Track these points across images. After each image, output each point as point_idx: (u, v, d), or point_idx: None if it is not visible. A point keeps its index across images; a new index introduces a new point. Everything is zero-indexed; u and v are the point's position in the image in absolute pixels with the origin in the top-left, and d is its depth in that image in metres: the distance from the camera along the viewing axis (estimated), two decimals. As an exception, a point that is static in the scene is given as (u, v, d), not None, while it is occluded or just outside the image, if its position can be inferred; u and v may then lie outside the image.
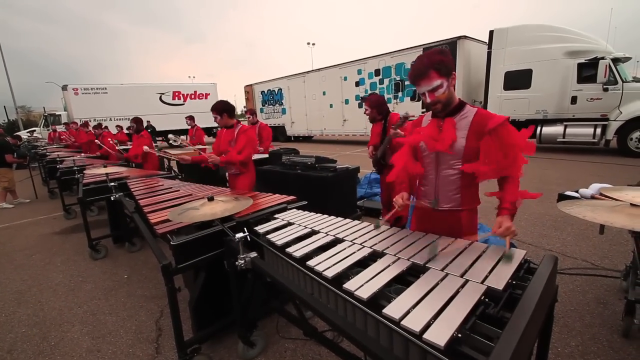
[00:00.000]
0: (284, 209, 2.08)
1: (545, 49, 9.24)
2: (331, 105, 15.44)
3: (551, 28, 9.34)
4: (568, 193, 2.16)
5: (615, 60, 8.43)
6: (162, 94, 18.38)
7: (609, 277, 2.74)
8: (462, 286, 1.03)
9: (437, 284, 1.05)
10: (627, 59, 8.82)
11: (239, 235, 1.53)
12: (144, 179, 3.73)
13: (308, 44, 47.92)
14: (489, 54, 10.30)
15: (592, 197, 2.06)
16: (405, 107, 12.50)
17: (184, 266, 1.74)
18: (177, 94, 18.77)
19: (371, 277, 1.12)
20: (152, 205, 2.45)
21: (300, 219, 1.84)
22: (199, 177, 4.62)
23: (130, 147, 5.45)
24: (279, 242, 1.52)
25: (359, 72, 13.92)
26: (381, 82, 13.19)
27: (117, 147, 6.70)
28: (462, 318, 0.87)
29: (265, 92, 19.05)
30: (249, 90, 20.27)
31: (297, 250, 1.40)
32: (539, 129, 9.54)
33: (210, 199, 1.73)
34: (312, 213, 1.96)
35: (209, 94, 19.83)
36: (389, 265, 1.20)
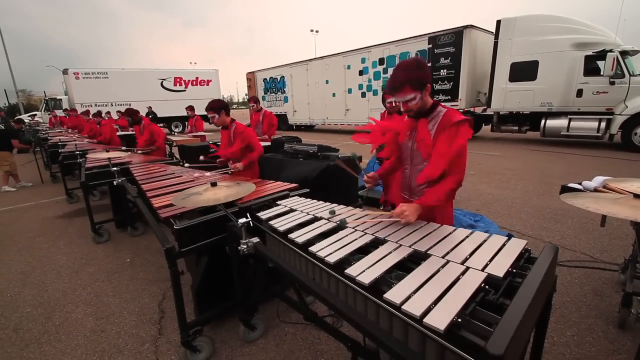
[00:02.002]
0: (286, 196, 2.08)
1: (553, 40, 9.09)
2: (334, 94, 15.31)
3: (559, 19, 9.16)
4: (571, 185, 2.16)
5: (624, 53, 8.29)
6: (164, 79, 18.21)
7: (607, 270, 2.76)
8: (463, 273, 1.04)
9: (437, 271, 1.06)
10: (636, 52, 8.66)
11: (242, 220, 1.54)
12: (146, 164, 3.74)
13: (312, 31, 47.30)
14: (496, 44, 10.14)
15: (595, 190, 2.06)
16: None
17: (187, 250, 1.76)
18: (178, 79, 18.60)
19: (373, 263, 1.14)
20: (155, 190, 2.46)
21: (302, 206, 1.85)
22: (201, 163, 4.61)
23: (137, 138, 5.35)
24: (282, 228, 1.54)
25: (363, 60, 13.75)
26: (385, 71, 13.03)
27: (118, 133, 6.70)
28: (462, 304, 0.88)
29: (268, 79, 18.86)
30: (251, 77, 20.07)
31: (300, 237, 1.42)
32: (543, 121, 9.48)
33: (214, 184, 1.73)
34: (314, 200, 1.97)
35: (210, 81, 19.66)
36: (390, 252, 1.21)
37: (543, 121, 9.48)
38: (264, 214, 1.75)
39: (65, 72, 16.34)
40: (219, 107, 3.03)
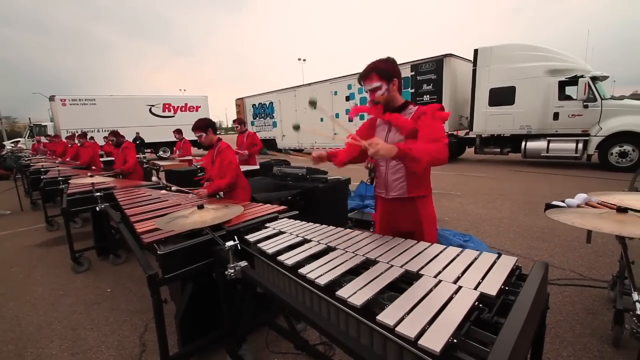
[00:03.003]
0: (275, 219, 2.05)
1: (528, 67, 9.61)
2: (322, 119, 15.60)
3: (533, 47, 9.74)
4: (555, 203, 2.20)
5: (594, 79, 8.80)
6: (152, 105, 18.27)
7: (596, 288, 2.77)
8: (456, 292, 1.02)
9: (430, 291, 1.04)
10: (605, 77, 9.22)
11: (229, 243, 1.50)
12: (131, 189, 3.65)
13: (299, 59, 48.77)
14: (474, 72, 10.64)
15: (578, 207, 2.10)
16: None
17: (171, 276, 1.69)
18: (167, 106, 18.69)
19: (364, 285, 1.11)
20: (139, 214, 2.39)
21: (291, 228, 1.82)
22: (185, 185, 4.50)
23: (115, 161, 5.32)
24: (270, 251, 1.50)
25: (349, 87, 14.18)
26: (371, 96, 13.42)
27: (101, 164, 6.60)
28: (457, 324, 0.86)
29: (257, 105, 19.16)
30: (240, 103, 20.36)
31: (289, 259, 1.38)
32: (523, 143, 9.82)
33: (200, 207, 1.70)
34: (303, 222, 1.94)
35: (199, 107, 19.82)
36: (381, 273, 1.19)
37: (524, 143, 9.83)
38: (252, 237, 1.71)
39: (52, 98, 16.25)
40: (205, 125, 2.98)
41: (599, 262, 3.31)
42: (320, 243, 1.54)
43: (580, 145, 8.95)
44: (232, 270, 1.50)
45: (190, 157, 6.29)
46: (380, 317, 0.91)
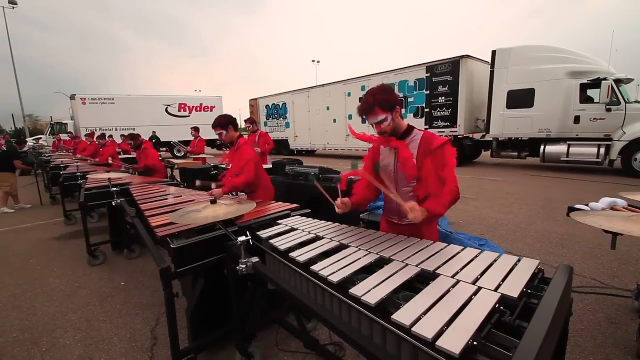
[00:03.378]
0: (287, 216, 2.04)
1: (548, 69, 9.36)
2: (335, 120, 15.57)
3: (553, 49, 9.48)
4: (578, 206, 2.11)
5: (618, 81, 8.49)
6: (168, 105, 18.62)
7: (619, 297, 2.65)
8: (475, 293, 0.98)
9: (448, 291, 1.00)
10: (629, 80, 8.89)
11: (241, 238, 1.49)
12: (146, 185, 3.71)
13: (313, 61, 48.92)
14: (492, 73, 10.43)
15: (603, 210, 2.02)
16: (409, 123, 12.56)
17: (183, 270, 1.69)
18: (182, 105, 19.02)
19: (378, 283, 1.08)
20: (153, 209, 2.42)
21: (303, 225, 1.80)
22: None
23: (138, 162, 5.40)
24: (282, 247, 1.48)
25: (363, 88, 14.08)
26: (385, 98, 13.32)
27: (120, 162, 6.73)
28: (477, 325, 0.82)
29: (270, 105, 19.28)
30: (253, 104, 20.53)
31: (301, 255, 1.36)
32: (542, 147, 9.55)
33: (213, 201, 1.70)
34: (315, 220, 1.92)
35: (214, 107, 20.09)
36: (396, 272, 1.16)
37: (542, 147, 9.56)
38: (264, 233, 1.69)
39: (72, 97, 16.75)
40: (226, 122, 2.85)
41: (621, 270, 3.17)
42: (332, 240, 1.52)
43: (602, 150, 8.64)
44: (244, 266, 1.49)
45: (203, 155, 6.35)
46: (396, 317, 0.88)
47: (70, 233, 4.97)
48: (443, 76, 11.42)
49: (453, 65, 11.11)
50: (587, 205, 2.13)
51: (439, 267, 1.17)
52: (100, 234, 4.49)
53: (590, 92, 8.93)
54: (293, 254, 1.38)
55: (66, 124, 18.69)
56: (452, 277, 1.09)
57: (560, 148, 9.27)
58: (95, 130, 12.22)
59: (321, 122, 16.18)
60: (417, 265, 1.19)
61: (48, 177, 7.73)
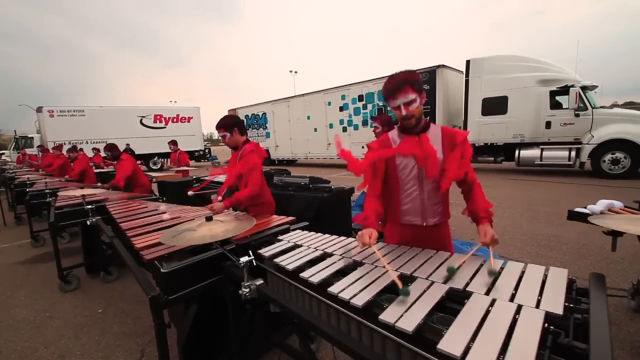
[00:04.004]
0: (287, 230, 1.91)
1: (519, 78, 9.78)
2: (315, 130, 15.56)
3: (523, 58, 9.94)
4: (578, 210, 2.12)
5: (584, 88, 8.98)
6: (143, 116, 17.97)
7: (614, 297, 2.68)
8: (518, 312, 0.89)
9: (488, 312, 0.91)
10: (594, 87, 9.43)
11: (244, 259, 1.35)
12: (125, 201, 3.46)
13: (291, 71, 49.12)
14: (467, 82, 10.78)
15: (602, 213, 2.02)
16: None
17: (177, 297, 1.52)
18: (158, 117, 18.41)
19: (409, 306, 0.97)
20: (135, 228, 2.22)
21: (307, 241, 1.68)
22: (182, 200, 4.29)
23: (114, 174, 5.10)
24: (290, 267, 1.35)
25: (343, 97, 14.21)
26: (364, 107, 13.48)
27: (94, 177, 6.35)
28: (535, 351, 0.73)
29: (250, 116, 19.07)
30: (233, 114, 20.22)
31: (313, 276, 1.24)
32: (517, 152, 9.91)
33: (209, 218, 1.54)
34: (318, 234, 1.80)
35: (192, 118, 19.59)
36: (424, 291, 1.06)
37: (517, 152, 9.92)
38: (266, 251, 1.56)
39: (39, 110, 15.84)
40: (231, 123, 2.58)
41: (610, 269, 3.24)
42: (344, 257, 1.41)
43: (573, 153, 9.06)
44: (247, 290, 1.34)
45: (186, 168, 6.08)
46: (442, 346, 0.77)
47: (38, 256, 4.55)
48: (421, 85, 11.69)
49: (430, 75, 11.41)
50: (585, 207, 2.14)
51: (468, 283, 1.08)
52: (73, 256, 4.13)
53: (559, 99, 9.40)
54: (304, 275, 1.25)
55: (32, 137, 17.63)
56: (486, 294, 1.00)
57: (534, 152, 9.65)
58: (64, 143, 11.54)
59: (302, 131, 16.13)
60: (444, 283, 1.09)
61: (12, 195, 7.16)
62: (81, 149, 8.97)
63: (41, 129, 16.42)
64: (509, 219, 5.23)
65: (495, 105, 10.22)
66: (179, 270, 1.51)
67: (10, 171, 9.12)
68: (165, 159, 17.63)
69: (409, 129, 1.55)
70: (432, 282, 1.10)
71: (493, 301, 0.96)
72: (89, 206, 3.11)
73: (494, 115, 10.25)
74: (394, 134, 1.64)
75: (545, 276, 1.10)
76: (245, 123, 19.22)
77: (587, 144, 8.87)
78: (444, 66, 11.31)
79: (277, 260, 1.43)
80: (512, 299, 0.97)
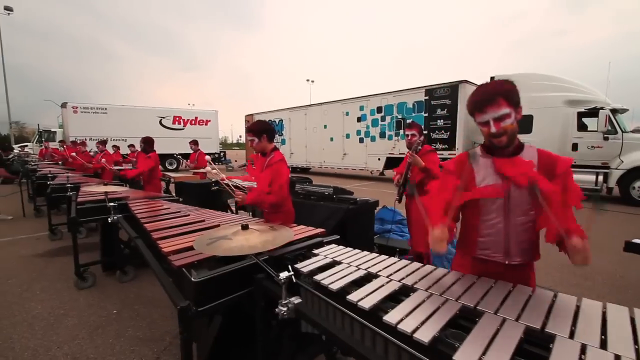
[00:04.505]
0: (321, 244, 1.79)
1: (546, 97, 9.53)
2: (332, 139, 15.52)
3: (551, 77, 9.71)
4: (635, 241, 1.94)
5: (614, 111, 8.68)
6: (163, 117, 18.32)
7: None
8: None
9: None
10: (625, 110, 9.11)
11: (284, 275, 1.24)
12: (146, 200, 3.41)
13: (307, 80, 49.62)
14: (491, 99, 10.57)
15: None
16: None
17: (207, 309, 1.41)
18: (177, 118, 18.75)
19: (486, 346, 0.84)
20: (161, 230, 2.14)
21: (345, 257, 1.56)
22: (199, 201, 4.21)
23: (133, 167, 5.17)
24: (334, 287, 1.23)
25: (361, 108, 14.15)
26: (383, 119, 13.38)
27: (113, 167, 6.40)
28: None
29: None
30: (249, 119, 20.42)
31: (363, 300, 1.11)
32: (540, 173, 9.60)
33: (245, 227, 1.44)
34: (355, 250, 1.68)
35: (209, 121, 19.88)
36: (499, 331, 0.92)
37: (541, 173, 9.61)
38: (303, 267, 1.44)
39: (64, 105, 16.32)
40: (260, 129, 2.59)
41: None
42: (392, 280, 1.28)
43: (601, 178, 8.71)
44: (285, 309, 1.23)
45: (203, 170, 6.05)
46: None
47: (55, 250, 4.56)
48: (442, 100, 11.55)
49: (452, 90, 11.27)
50: (642, 239, 1.96)
51: (545, 323, 0.94)
52: (89, 252, 4.10)
53: (587, 121, 9.10)
54: (352, 298, 1.13)
55: (55, 132, 18.13)
56: (570, 337, 0.87)
57: (559, 174, 9.32)
58: (86, 140, 11.79)
59: (318, 140, 16.11)
60: (531, 324, 0.96)
61: (33, 187, 7.28)
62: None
63: (64, 124, 16.89)
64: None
65: (520, 124, 9.86)
66: (211, 280, 1.41)
67: (33, 163, 9.31)
68: (183, 159, 17.83)
69: (497, 147, 1.31)
70: (515, 320, 0.97)
71: (583, 347, 0.82)
72: (112, 204, 3.07)
73: (518, 134, 9.96)
74: (476, 156, 1.37)
75: (605, 312, 0.97)
76: (261, 129, 19.47)
77: (616, 169, 8.52)
78: (466, 81, 11.15)
79: (317, 278, 1.31)
80: (604, 345, 0.83)
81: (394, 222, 5.13)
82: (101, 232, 3.65)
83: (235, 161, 22.02)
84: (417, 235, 3.24)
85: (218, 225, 2.27)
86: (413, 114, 12.35)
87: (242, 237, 1.39)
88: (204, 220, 2.45)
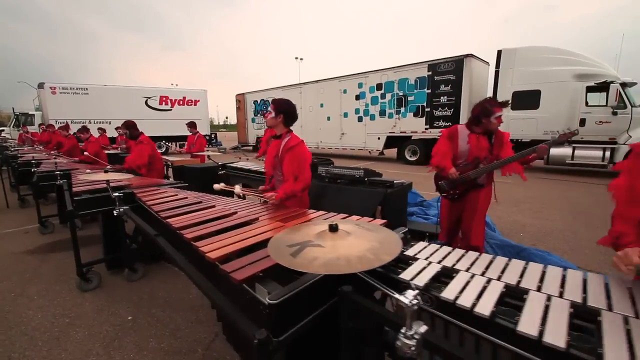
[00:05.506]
0: (406, 242, 1.44)
1: (554, 71, 9.23)
2: (329, 118, 15.02)
3: (559, 50, 9.37)
4: None
5: (623, 85, 8.46)
6: (149, 98, 17.31)
7: None
8: None
9: None
10: (634, 83, 8.90)
11: (410, 295, 0.88)
12: (154, 189, 2.98)
13: (296, 58, 48.04)
14: (497, 73, 10.23)
15: None
16: (408, 123, 12.23)
17: (287, 337, 1.05)
18: (164, 98, 17.74)
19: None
20: (189, 228, 1.74)
21: (446, 258, 1.21)
22: (201, 185, 3.66)
23: (128, 155, 4.66)
24: (483, 310, 0.88)
25: (360, 85, 13.61)
26: (383, 96, 12.91)
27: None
28: None
29: (259, 101, 18.46)
30: (240, 99, 19.61)
31: (528, 326, 0.77)
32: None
33: (334, 228, 1.07)
34: (443, 246, 1.34)
35: (198, 101, 18.93)
36: None
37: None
38: (410, 276, 1.09)
39: (40, 86, 15.17)
40: (281, 108, 2.43)
41: None
42: (507, 283, 0.94)
43: (608, 154, 8.60)
44: (412, 343, 0.88)
45: (206, 152, 5.58)
46: None
47: (49, 245, 4.08)
48: (446, 75, 11.12)
49: (457, 64, 10.83)
50: None
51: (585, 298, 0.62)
52: (86, 247, 3.66)
53: (596, 95, 8.88)
54: (523, 329, 0.79)
55: (33, 115, 16.98)
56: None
57: (566, 151, 9.17)
58: (69, 122, 10.96)
59: (314, 119, 15.57)
60: None
61: (15, 175, 6.64)
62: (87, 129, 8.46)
63: (42, 107, 15.78)
64: (561, 222, 4.80)
65: (526, 100, 9.66)
66: (290, 300, 1.04)
67: (12, 149, 8.57)
68: (171, 143, 17.03)
69: None
70: None
71: None
72: (116, 194, 2.63)
73: (524, 110, 9.70)
74: None
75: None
76: (253, 109, 18.70)
77: (624, 144, 8.39)
78: (472, 55, 10.70)
79: (447, 295, 0.96)
80: None
81: (415, 205, 4.84)
82: (103, 226, 3.21)
83: (225, 148, 21.29)
84: (477, 228, 2.90)
85: (257, 219, 1.88)
86: (415, 91, 11.92)
87: (337, 243, 1.01)
88: (236, 213, 2.05)
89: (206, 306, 2.55)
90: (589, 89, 8.83)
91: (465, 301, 0.93)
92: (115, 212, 2.58)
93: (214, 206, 2.23)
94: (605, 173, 9.20)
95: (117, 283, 3.02)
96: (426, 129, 11.81)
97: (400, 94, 12.36)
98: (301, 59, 48.02)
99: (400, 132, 12.58)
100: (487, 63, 11.70)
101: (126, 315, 2.49)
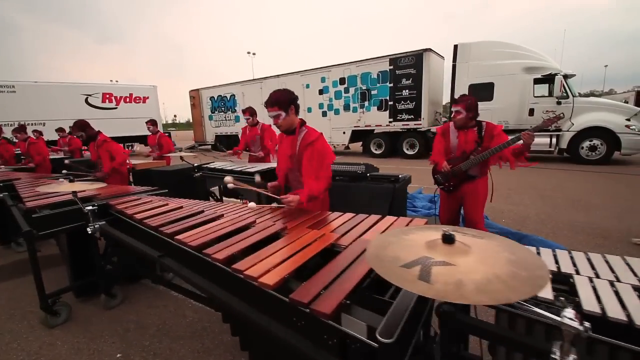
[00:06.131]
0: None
1: (506, 64, 9.86)
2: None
3: (510, 45, 10.04)
4: None
5: (565, 77, 9.30)
6: (89, 95, 15.57)
7: None
8: None
9: None
10: (572, 75, 9.82)
11: (569, 314, 0.72)
12: (133, 198, 2.55)
13: (248, 53, 46.71)
14: (454, 67, 10.67)
15: None
16: (372, 116, 12.36)
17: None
18: (107, 96, 16.08)
19: None
20: (212, 247, 1.44)
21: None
22: (174, 190, 3.23)
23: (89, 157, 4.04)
24: (621, 317, 0.76)
25: (323, 80, 13.47)
26: (346, 90, 12.90)
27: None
28: None
29: (215, 98, 17.50)
30: (195, 95, 18.46)
31: None
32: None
33: (449, 238, 0.87)
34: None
35: (147, 98, 17.46)
36: None
37: (501, 138, 10.11)
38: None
39: (-48, 84, 12.91)
40: (287, 100, 2.03)
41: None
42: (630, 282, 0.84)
43: (554, 140, 9.42)
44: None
45: (176, 153, 5.04)
46: None
47: (-10, 272, 3.38)
48: (407, 69, 11.38)
49: (417, 59, 11.14)
50: None
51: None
52: (47, 268, 3.07)
53: (542, 87, 9.66)
54: None
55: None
56: None
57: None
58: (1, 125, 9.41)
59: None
60: None
61: None
62: (35, 131, 7.43)
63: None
64: (534, 207, 5.09)
65: (481, 92, 10.22)
66: (403, 334, 0.84)
67: None
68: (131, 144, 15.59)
69: None
70: None
71: None
72: (90, 207, 2.19)
73: (480, 102, 10.19)
74: None
75: None
76: (210, 106, 17.72)
77: (568, 131, 9.24)
78: (430, 50, 11.08)
79: (589, 308, 0.82)
80: None
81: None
82: (68, 246, 2.67)
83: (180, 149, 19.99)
84: (478, 217, 2.93)
85: (285, 228, 1.63)
86: (378, 85, 12.07)
87: (464, 260, 0.82)
88: (254, 222, 1.77)
89: (210, 330, 2.23)
90: (536, 81, 9.58)
91: (617, 313, 0.80)
92: (89, 230, 2.16)
93: (222, 215, 1.92)
94: (553, 158, 10.10)
95: (92, 313, 2.54)
96: (390, 122, 12.04)
97: (364, 88, 12.44)
98: (254, 54, 46.77)
99: (365, 126, 12.70)
100: (443, 57, 12.21)
101: (114, 353, 2.07)
